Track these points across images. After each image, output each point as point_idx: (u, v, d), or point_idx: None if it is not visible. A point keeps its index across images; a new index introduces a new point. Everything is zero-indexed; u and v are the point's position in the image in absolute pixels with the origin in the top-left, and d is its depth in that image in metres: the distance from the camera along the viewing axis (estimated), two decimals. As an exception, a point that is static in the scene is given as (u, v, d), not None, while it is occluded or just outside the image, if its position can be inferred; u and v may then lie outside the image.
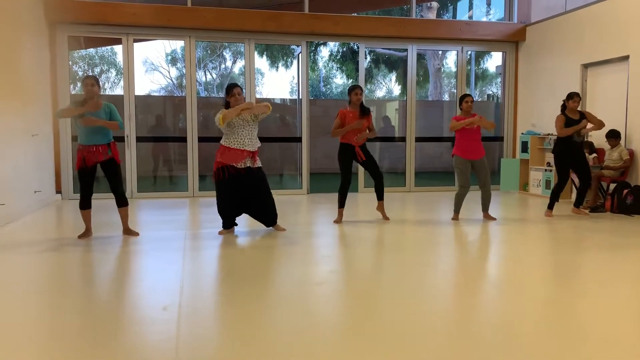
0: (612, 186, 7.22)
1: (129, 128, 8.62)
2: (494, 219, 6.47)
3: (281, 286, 3.80)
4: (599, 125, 6.54)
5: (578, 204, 6.87)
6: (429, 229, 5.93)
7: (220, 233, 5.56)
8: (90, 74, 5.72)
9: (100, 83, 5.28)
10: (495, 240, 5.57)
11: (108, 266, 4.40)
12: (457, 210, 6.49)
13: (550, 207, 6.74)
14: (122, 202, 5.37)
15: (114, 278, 4.10)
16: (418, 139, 9.89)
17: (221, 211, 5.56)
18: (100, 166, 5.21)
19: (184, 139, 8.98)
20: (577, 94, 6.63)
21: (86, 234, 5.33)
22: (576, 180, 7.09)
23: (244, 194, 5.47)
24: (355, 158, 6.19)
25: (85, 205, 5.27)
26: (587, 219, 6.54)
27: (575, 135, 6.54)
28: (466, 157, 6.32)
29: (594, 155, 7.67)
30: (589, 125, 6.62)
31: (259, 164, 5.48)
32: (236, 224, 5.69)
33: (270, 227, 5.74)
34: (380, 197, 6.35)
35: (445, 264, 4.53)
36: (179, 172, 9.62)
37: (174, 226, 6.20)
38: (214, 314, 3.24)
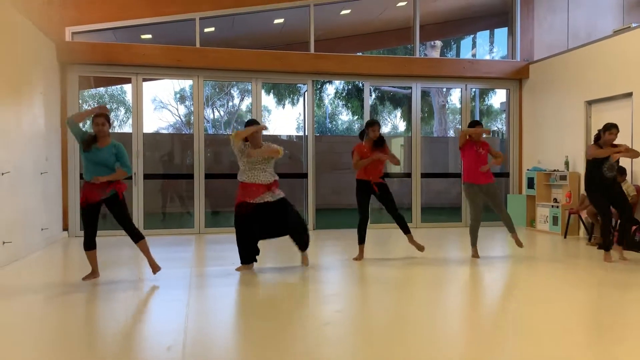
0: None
1: (136, 165, 8.71)
2: (521, 243, 6.37)
3: (287, 326, 3.76)
4: (635, 153, 6.05)
5: (620, 242, 6.21)
6: (439, 267, 5.87)
7: (237, 269, 5.53)
8: (101, 112, 5.53)
9: (111, 120, 5.20)
10: (509, 279, 5.51)
11: (111, 305, 4.37)
12: (474, 244, 6.39)
13: (607, 248, 6.06)
14: (136, 238, 5.13)
15: (118, 317, 4.07)
16: (424, 175, 9.91)
17: (239, 245, 5.55)
18: (105, 204, 5.00)
19: (191, 176, 9.05)
20: (615, 126, 5.99)
21: (92, 275, 5.11)
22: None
23: (264, 224, 5.47)
24: (373, 192, 6.17)
25: (89, 245, 5.03)
26: (597, 256, 6.44)
27: (607, 169, 5.99)
28: (475, 181, 6.28)
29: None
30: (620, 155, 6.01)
31: (279, 195, 5.50)
32: (255, 261, 5.64)
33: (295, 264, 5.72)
34: (406, 231, 6.30)
35: (458, 305, 4.46)
36: (185, 208, 9.65)
37: (179, 264, 6.18)
38: (217, 355, 3.20)
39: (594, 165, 6.04)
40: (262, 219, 5.44)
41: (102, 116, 5.03)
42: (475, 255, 6.34)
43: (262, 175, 5.42)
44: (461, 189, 9.83)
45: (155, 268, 5.20)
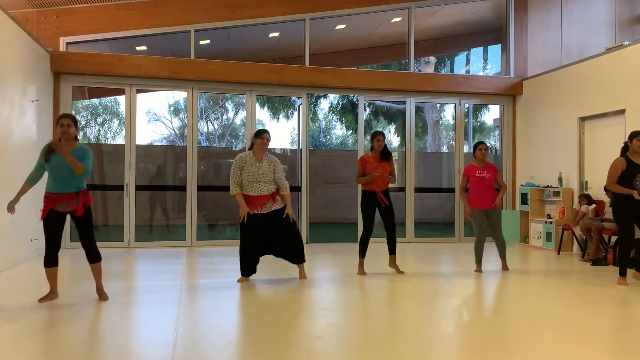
0: (614, 239, 7.16)
1: (128, 177, 8.64)
2: (507, 269, 6.37)
3: (279, 340, 3.69)
4: None
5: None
6: (434, 282, 5.82)
7: (239, 281, 5.55)
8: (67, 112, 5.19)
9: (78, 123, 4.74)
10: (503, 295, 5.47)
11: (98, 318, 4.29)
12: (478, 261, 6.35)
13: (622, 273, 5.57)
14: (93, 258, 4.64)
15: (104, 331, 3.98)
16: (417, 190, 9.89)
17: (241, 255, 5.58)
18: (71, 217, 4.64)
19: (183, 188, 8.98)
20: None
21: (49, 296, 4.64)
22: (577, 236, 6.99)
23: (267, 236, 5.55)
24: (378, 205, 6.06)
25: (50, 262, 4.57)
26: (590, 272, 6.42)
27: (638, 184, 5.49)
28: (477, 206, 6.26)
29: (594, 206, 7.65)
30: None
31: (280, 204, 5.57)
32: (254, 272, 5.67)
33: (289, 276, 5.69)
34: (392, 251, 6.18)
35: (453, 320, 4.41)
36: (177, 221, 9.57)
37: (170, 276, 6.09)
38: (208, 368, 3.13)
39: (625, 180, 5.52)
40: (269, 231, 5.52)
41: (67, 117, 4.56)
42: (477, 270, 6.29)
43: (265, 187, 5.51)
44: (454, 204, 9.84)
45: (102, 296, 4.69)
